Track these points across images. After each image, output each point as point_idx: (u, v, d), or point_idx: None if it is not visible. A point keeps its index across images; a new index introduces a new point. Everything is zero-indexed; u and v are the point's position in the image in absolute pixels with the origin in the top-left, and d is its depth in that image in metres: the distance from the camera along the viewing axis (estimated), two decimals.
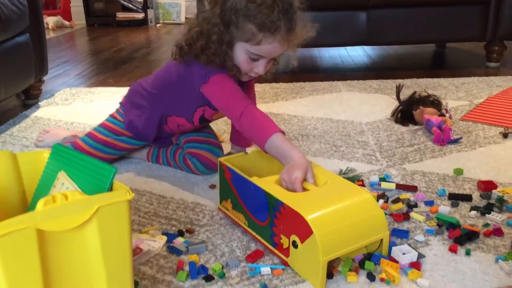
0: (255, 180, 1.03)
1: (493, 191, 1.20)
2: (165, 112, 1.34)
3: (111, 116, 1.45)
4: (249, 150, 1.17)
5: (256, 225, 1.03)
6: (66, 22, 4.96)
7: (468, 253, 0.97)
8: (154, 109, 1.34)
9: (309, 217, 0.88)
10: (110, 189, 0.76)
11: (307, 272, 0.91)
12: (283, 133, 1.10)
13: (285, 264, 0.96)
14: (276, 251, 0.98)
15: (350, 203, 0.95)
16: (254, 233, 1.04)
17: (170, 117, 1.35)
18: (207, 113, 1.33)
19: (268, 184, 1.01)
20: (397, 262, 0.93)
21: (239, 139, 1.45)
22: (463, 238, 1.01)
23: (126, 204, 0.71)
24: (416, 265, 0.93)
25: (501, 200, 1.15)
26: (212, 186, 1.31)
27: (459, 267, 0.94)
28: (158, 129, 1.37)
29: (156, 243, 1.05)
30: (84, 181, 0.80)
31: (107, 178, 0.76)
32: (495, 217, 1.09)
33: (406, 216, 1.11)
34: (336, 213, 0.92)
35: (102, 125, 1.45)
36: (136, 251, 1.01)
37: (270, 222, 0.98)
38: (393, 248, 0.96)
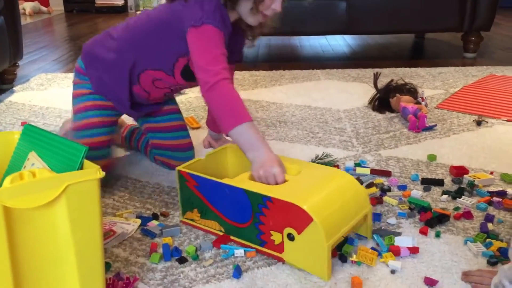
0: (228, 181, 0.97)
1: (465, 176, 1.23)
2: (136, 64, 1.17)
3: (75, 96, 1.25)
4: (204, 154, 1.11)
5: (237, 229, 0.97)
6: (44, 8, 4.87)
7: (438, 235, 0.99)
8: (123, 59, 1.18)
9: (305, 206, 0.85)
10: (81, 168, 0.75)
11: (308, 262, 0.88)
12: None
13: (280, 260, 0.92)
14: (266, 249, 0.93)
15: (335, 185, 0.96)
16: (235, 238, 0.98)
17: (143, 73, 1.19)
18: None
19: (244, 182, 0.97)
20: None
21: (217, 126, 1.42)
22: (433, 220, 1.03)
23: (96, 182, 0.71)
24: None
25: (471, 185, 1.17)
26: None
27: (428, 248, 0.95)
28: (130, 88, 1.20)
29: (130, 226, 1.04)
30: (55, 161, 0.79)
31: (77, 157, 0.75)
32: (466, 201, 1.12)
33: (379, 200, 1.12)
34: (327, 197, 0.92)
35: (76, 112, 1.24)
36: (110, 234, 1.01)
37: (255, 221, 0.93)
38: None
